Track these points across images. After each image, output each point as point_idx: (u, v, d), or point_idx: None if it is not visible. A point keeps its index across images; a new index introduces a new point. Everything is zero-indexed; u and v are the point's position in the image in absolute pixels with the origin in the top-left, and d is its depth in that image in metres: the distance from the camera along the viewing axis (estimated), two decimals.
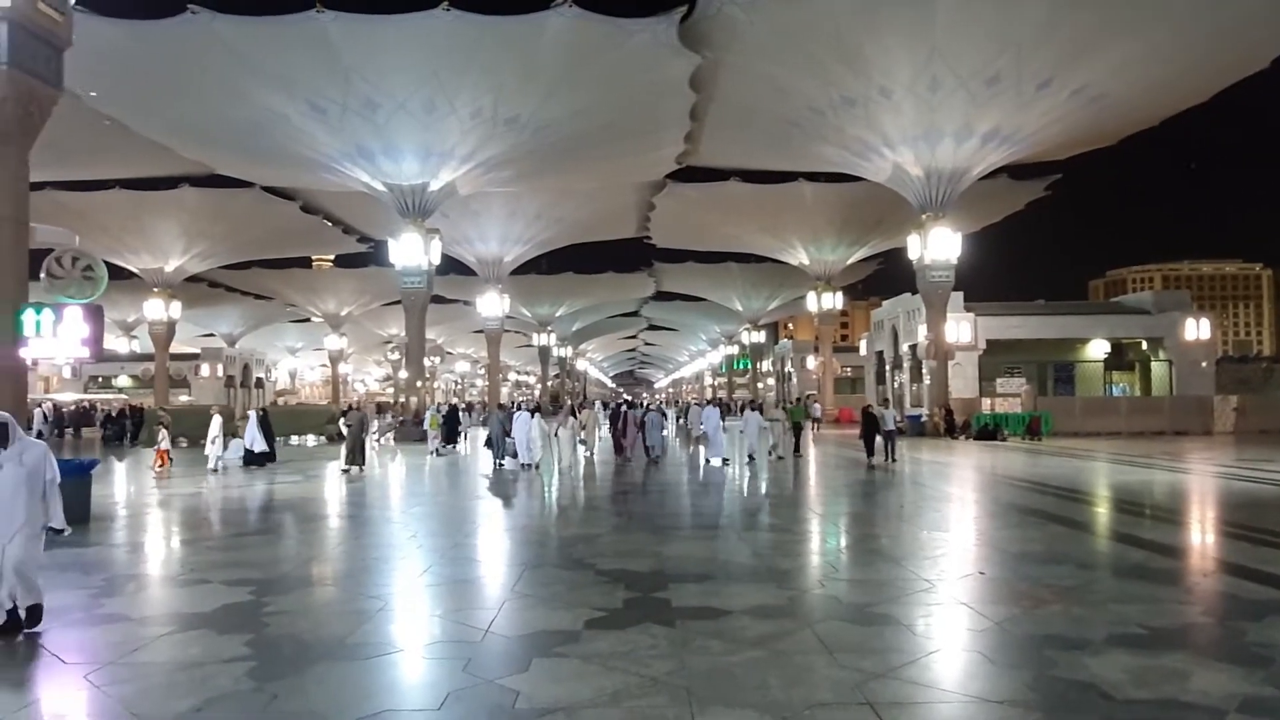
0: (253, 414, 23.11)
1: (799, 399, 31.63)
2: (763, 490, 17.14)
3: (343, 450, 21.60)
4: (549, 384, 76.09)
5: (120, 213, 40.93)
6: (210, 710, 5.02)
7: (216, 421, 21.44)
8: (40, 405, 43.78)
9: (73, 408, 43.59)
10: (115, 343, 57.39)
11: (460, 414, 30.99)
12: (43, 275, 13.66)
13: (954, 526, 12.67)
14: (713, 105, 30.17)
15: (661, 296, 72.46)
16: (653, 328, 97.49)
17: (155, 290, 46.95)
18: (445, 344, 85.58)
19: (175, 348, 53.20)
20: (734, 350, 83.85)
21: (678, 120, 30.71)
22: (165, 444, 21.31)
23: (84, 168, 34.32)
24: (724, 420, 24.06)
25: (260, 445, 22.13)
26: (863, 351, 54.86)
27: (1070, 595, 7.69)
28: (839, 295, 51.69)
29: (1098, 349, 40.10)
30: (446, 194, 34.30)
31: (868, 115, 30.07)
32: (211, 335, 70.29)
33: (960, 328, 36.45)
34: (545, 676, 5.56)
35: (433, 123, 29.84)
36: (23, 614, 6.56)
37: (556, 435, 21.47)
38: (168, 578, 9.41)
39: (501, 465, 21.49)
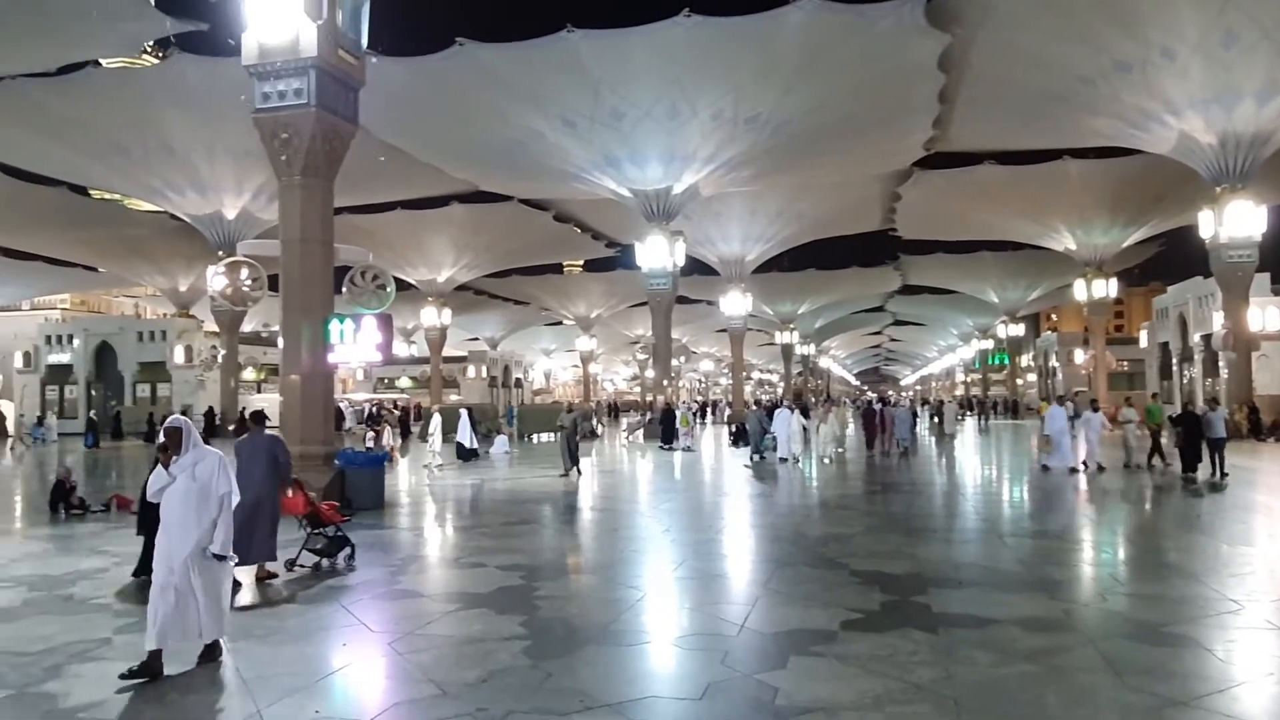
0: (464, 413, 24.22)
1: (1077, 393, 28.92)
2: (1030, 493, 15.97)
3: (572, 451, 19.64)
4: (792, 382, 75.39)
5: (401, 230, 45.60)
6: (494, 682, 5.48)
7: (436, 420, 23.00)
8: (382, 404, 49.54)
9: (364, 406, 49.18)
10: (398, 347, 64.07)
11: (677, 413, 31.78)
12: (343, 289, 15.52)
13: (1264, 541, 11.13)
14: (963, 86, 28.48)
15: (908, 290, 69.44)
16: (898, 323, 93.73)
17: (430, 299, 51.89)
18: (689, 343, 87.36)
19: (446, 351, 58.34)
20: (988, 345, 78.72)
21: (925, 105, 29.31)
22: (391, 440, 23.44)
23: (372, 192, 38.50)
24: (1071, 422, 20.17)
25: (470, 442, 23.17)
26: (1143, 343, 49.59)
27: None
28: (1112, 282, 46.89)
29: None
30: (689, 196, 35.02)
31: (1146, 80, 27.06)
32: (476, 339, 76.42)
33: (1267, 314, 31.99)
34: (804, 675, 5.53)
35: (675, 128, 30.58)
36: (199, 649, 5.84)
37: (817, 430, 21.56)
38: (448, 560, 10.35)
39: (760, 459, 21.86)
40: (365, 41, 15.00)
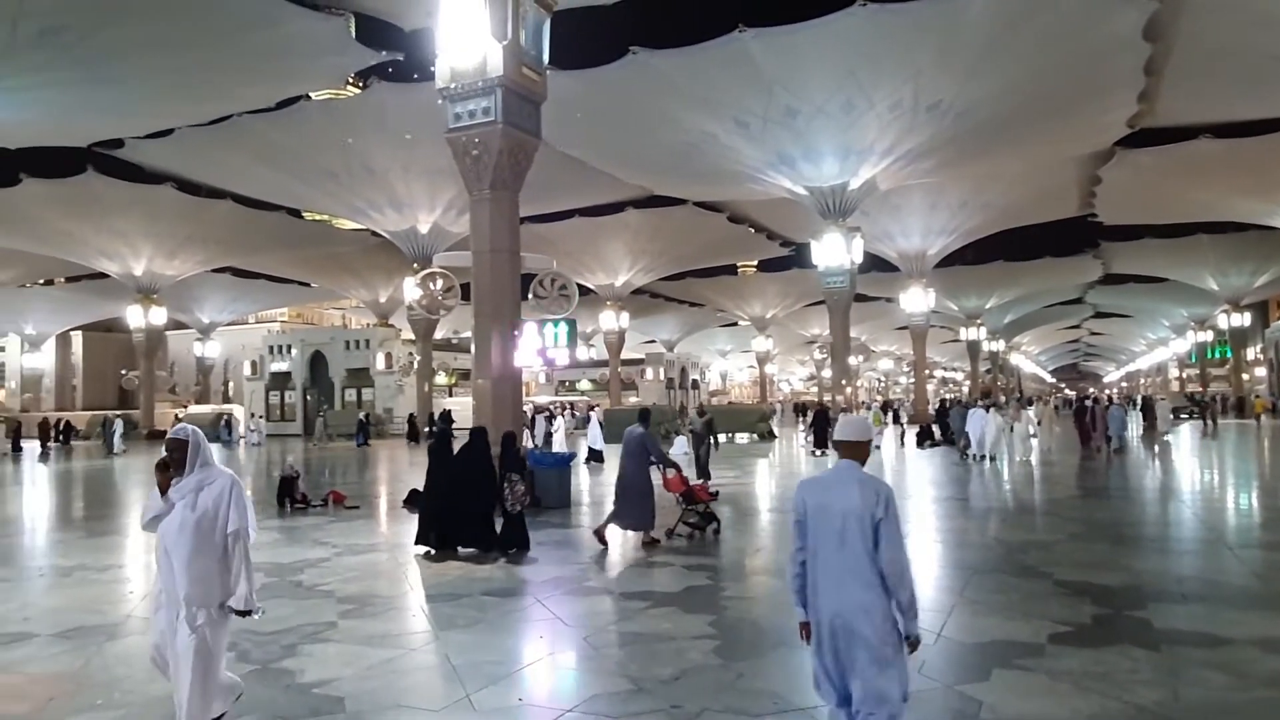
0: (594, 415, 24.51)
1: None
2: (1264, 500, 14.40)
3: (700, 460, 18.30)
4: (980, 380, 71.65)
5: (580, 237, 47.06)
6: (686, 680, 5.55)
7: (558, 423, 23.45)
8: (570, 406, 51.58)
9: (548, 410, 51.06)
10: (578, 351, 66.16)
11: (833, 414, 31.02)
12: (530, 296, 16.21)
13: None
14: (1173, 55, 26.04)
15: (1110, 280, 64.18)
16: (1099, 315, 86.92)
17: (608, 303, 53.26)
18: (868, 342, 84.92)
19: (624, 354, 59.64)
20: (1207, 337, 71.63)
21: (1128, 79, 27.02)
22: (529, 443, 24.13)
23: (552, 201, 39.95)
24: None
25: (599, 445, 23.44)
26: None
27: None
28: None
29: None
30: (866, 191, 34.03)
31: None
32: (653, 342, 77.63)
33: None
34: (1009, 689, 5.26)
35: (851, 122, 29.80)
36: None
37: (1012, 429, 20.67)
38: (635, 558, 10.54)
39: (964, 458, 21.42)
40: (546, 58, 15.58)
